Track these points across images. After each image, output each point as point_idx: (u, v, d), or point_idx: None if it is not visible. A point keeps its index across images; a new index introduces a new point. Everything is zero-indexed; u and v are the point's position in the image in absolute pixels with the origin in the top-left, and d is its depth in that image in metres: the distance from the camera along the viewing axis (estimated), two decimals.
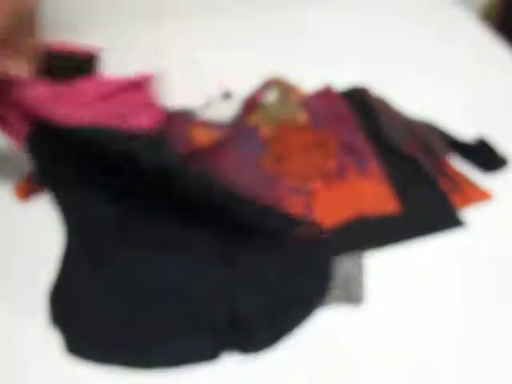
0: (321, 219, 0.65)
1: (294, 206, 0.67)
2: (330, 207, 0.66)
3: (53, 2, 1.07)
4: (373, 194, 0.68)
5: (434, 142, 0.74)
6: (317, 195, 0.68)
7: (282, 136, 0.78)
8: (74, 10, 1.09)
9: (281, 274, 0.56)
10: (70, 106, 0.54)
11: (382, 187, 0.68)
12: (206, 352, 0.50)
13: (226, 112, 0.82)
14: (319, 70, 0.92)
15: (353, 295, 0.56)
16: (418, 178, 0.69)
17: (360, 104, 0.81)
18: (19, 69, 0.58)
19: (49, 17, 1.11)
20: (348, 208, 0.66)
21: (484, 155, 0.73)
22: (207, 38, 1.09)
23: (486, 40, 1.02)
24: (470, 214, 0.65)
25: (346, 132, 0.77)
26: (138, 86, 0.66)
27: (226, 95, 0.89)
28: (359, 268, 0.59)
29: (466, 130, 0.77)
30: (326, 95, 0.84)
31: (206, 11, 1.16)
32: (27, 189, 0.71)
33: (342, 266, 0.59)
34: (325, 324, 0.55)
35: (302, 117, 0.80)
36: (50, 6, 1.09)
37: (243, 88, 0.87)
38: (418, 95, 0.86)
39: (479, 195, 0.67)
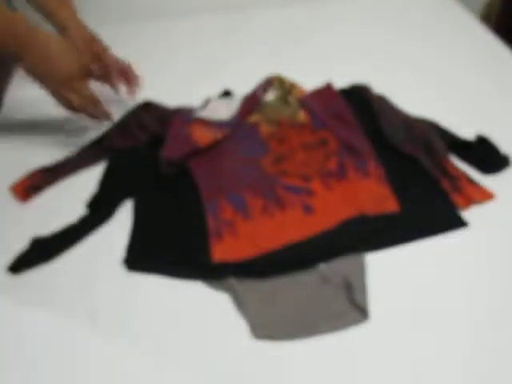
0: (321, 219, 0.65)
1: (294, 205, 0.67)
2: (330, 207, 0.66)
3: None
4: (373, 194, 0.67)
5: (435, 141, 0.74)
6: (317, 195, 0.68)
7: (282, 135, 0.78)
8: None
9: None
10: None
11: (382, 187, 0.68)
12: None
13: (225, 111, 0.82)
14: (319, 69, 0.92)
15: (357, 299, 0.56)
16: (418, 178, 0.69)
17: (360, 103, 0.81)
18: None
19: None
20: (348, 207, 0.66)
21: (485, 155, 0.72)
22: (208, 38, 1.09)
23: (486, 40, 1.02)
24: (470, 214, 0.65)
25: (346, 131, 0.76)
26: None
27: (226, 95, 0.88)
28: (361, 270, 0.59)
29: (465, 130, 0.77)
30: (325, 94, 0.84)
31: (205, 10, 1.16)
32: (27, 188, 0.72)
33: (344, 268, 0.59)
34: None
35: (301, 116, 0.80)
36: None
37: (243, 88, 0.88)
38: (418, 95, 0.86)
39: (481, 195, 0.67)
